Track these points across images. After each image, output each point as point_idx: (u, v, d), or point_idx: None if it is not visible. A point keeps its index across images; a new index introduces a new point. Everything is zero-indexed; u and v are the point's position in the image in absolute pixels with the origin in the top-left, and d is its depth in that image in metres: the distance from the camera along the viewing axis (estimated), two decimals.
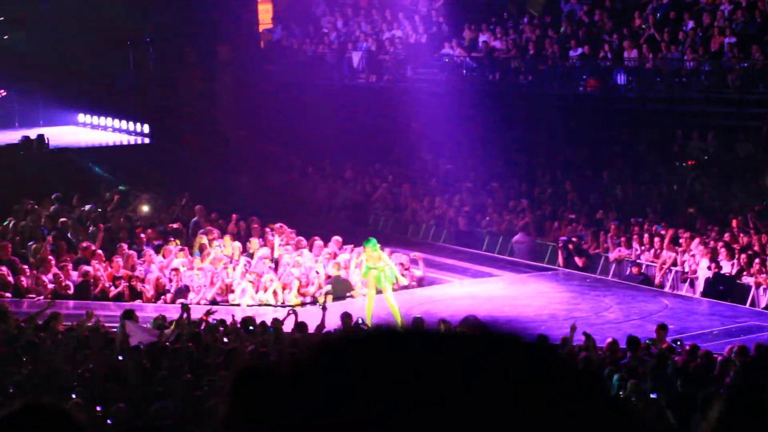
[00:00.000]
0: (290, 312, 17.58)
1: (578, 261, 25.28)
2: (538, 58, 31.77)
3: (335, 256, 23.83)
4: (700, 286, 23.20)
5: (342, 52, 35.45)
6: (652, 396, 11.53)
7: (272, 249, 24.18)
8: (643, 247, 24.85)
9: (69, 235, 24.57)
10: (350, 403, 1.21)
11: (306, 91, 32.90)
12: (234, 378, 3.91)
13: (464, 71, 33.07)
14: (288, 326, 16.99)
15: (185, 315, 16.95)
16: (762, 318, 20.88)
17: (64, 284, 22.04)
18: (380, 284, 20.26)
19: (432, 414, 1.19)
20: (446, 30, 34.48)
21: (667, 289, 23.65)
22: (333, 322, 17.21)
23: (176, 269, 22.81)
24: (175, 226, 25.95)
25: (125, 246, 23.60)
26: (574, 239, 25.76)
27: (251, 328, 16.84)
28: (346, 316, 17.51)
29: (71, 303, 21.30)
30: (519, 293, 22.99)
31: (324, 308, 17.94)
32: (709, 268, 23.06)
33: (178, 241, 24.72)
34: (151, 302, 21.90)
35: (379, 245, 20.96)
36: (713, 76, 29.07)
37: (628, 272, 24.60)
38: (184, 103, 34.69)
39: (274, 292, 22.32)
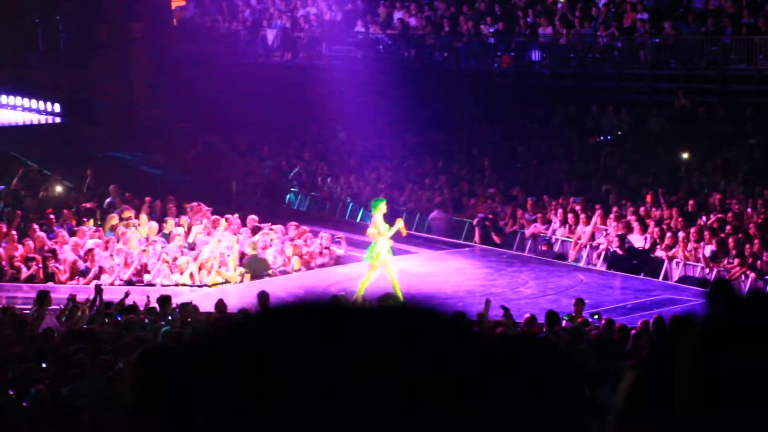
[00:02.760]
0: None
1: (495, 237, 25.42)
2: (453, 34, 31.84)
3: (252, 234, 23.72)
4: (607, 259, 23.48)
5: (256, 29, 35.22)
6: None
7: (188, 228, 24.01)
8: (558, 223, 25.07)
9: None
10: (263, 383, 1.16)
11: (220, 69, 32.64)
12: (137, 361, 3.58)
13: (380, 48, 33.05)
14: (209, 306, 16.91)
15: (98, 297, 16.78)
16: (675, 291, 21.17)
17: None
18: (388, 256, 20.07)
19: (349, 392, 1.15)
20: (361, 7, 34.41)
21: (582, 264, 23.89)
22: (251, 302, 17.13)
23: (91, 250, 22.50)
24: (88, 205, 25.62)
25: (37, 227, 23.22)
26: (490, 216, 25.90)
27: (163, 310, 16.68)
28: (262, 295, 17.42)
29: None
30: (436, 270, 23.06)
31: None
32: (619, 246, 23.28)
33: (91, 222, 24.41)
34: (64, 283, 21.59)
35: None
36: (626, 52, 29.39)
37: (542, 248, 24.84)
38: (96, 82, 34.22)
39: (191, 274, 22.13)
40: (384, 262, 20.07)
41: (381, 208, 20.20)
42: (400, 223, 20.24)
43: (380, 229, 20.11)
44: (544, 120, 29.96)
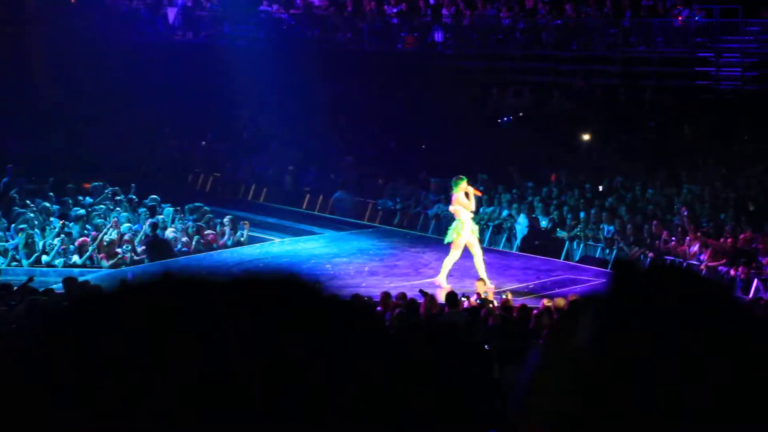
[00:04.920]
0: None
1: (394, 219, 25.46)
2: (356, 15, 31.78)
3: (154, 214, 23.49)
4: (517, 241, 23.72)
5: (157, 7, 34.77)
6: (486, 347, 11.66)
7: (91, 209, 23.67)
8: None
9: None
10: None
11: (120, 48, 32.10)
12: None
13: (283, 28, 32.84)
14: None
15: None
16: (576, 271, 21.40)
17: None
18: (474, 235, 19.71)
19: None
20: None
21: (485, 245, 24.04)
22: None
23: None
24: None
25: None
26: (395, 196, 25.94)
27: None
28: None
29: None
30: (339, 250, 23.04)
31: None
32: (528, 226, 23.58)
33: None
34: None
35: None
36: (528, 33, 29.59)
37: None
38: None
39: (90, 255, 21.81)
40: (469, 242, 19.65)
41: (462, 187, 19.68)
42: (470, 190, 19.86)
43: (463, 205, 19.46)
44: (448, 101, 30.01)
